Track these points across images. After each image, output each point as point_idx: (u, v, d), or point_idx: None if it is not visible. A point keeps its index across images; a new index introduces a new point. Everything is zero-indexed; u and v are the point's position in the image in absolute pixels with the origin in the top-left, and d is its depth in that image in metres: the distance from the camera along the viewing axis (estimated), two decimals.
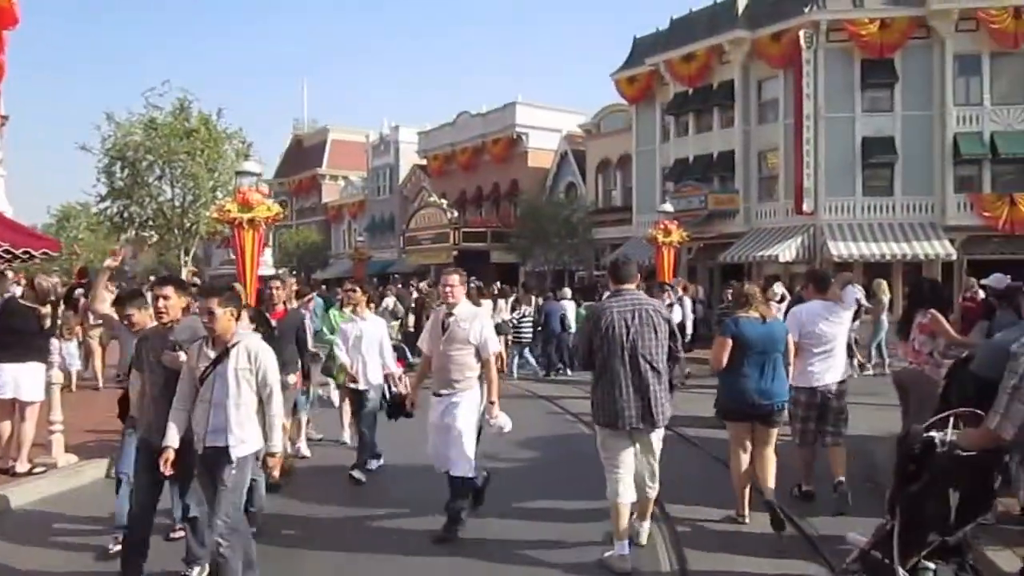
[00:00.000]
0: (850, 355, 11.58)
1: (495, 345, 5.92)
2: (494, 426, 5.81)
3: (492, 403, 5.77)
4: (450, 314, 5.85)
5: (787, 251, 22.20)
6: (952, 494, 3.57)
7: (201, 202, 21.22)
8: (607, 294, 5.93)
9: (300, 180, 53.01)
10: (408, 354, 12.16)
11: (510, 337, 16.44)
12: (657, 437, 5.37)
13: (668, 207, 21.05)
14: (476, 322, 5.82)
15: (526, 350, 16.63)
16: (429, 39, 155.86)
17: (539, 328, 16.71)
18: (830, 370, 6.46)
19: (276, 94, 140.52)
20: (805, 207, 22.53)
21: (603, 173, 31.77)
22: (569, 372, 16.48)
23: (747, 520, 6.01)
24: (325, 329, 9.56)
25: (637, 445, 5.34)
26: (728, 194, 24.75)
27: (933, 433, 3.70)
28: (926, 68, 22.39)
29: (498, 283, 21.29)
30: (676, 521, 6.17)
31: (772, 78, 24.38)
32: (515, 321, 16.62)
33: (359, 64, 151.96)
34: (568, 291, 19.19)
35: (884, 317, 15.84)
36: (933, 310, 6.63)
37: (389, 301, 18.46)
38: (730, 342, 5.97)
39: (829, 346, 6.47)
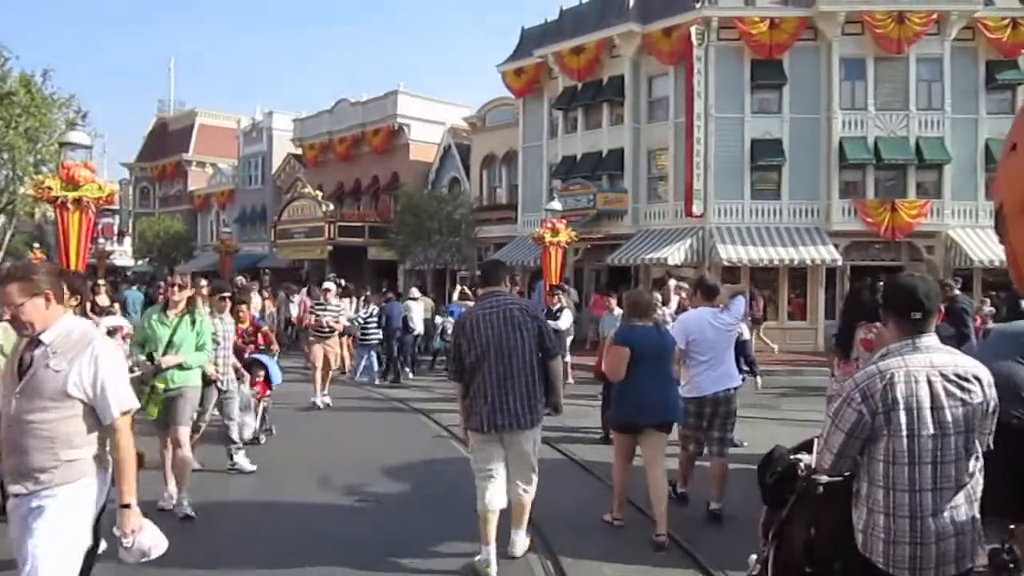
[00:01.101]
0: (752, 369, 10.80)
1: (123, 400, 3.21)
2: (130, 549, 3.16)
3: (126, 508, 3.16)
4: (35, 343, 3.19)
5: (676, 254, 21.52)
6: (819, 522, 3.17)
7: (20, 179, 18.24)
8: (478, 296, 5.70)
9: (164, 166, 49.36)
10: (273, 374, 9.80)
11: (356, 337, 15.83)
12: (529, 439, 5.16)
13: (556, 205, 20.01)
14: (85, 357, 3.13)
15: (372, 353, 15.52)
16: (308, 24, 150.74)
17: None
18: (719, 379, 6.35)
19: (140, 74, 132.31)
20: (695, 209, 21.91)
21: (488, 169, 30.46)
22: (411, 375, 16.06)
23: (623, 524, 5.97)
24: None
25: (509, 450, 5.13)
26: (617, 193, 23.90)
27: (801, 455, 3.36)
28: (813, 70, 22.19)
29: (341, 280, 19.40)
30: (562, 557, 5.43)
31: (662, 75, 23.68)
32: (360, 320, 15.32)
33: (232, 45, 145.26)
34: (416, 290, 18.06)
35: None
36: (879, 324, 5.63)
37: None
38: (627, 351, 5.78)
39: (715, 354, 6.35)
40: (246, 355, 9.14)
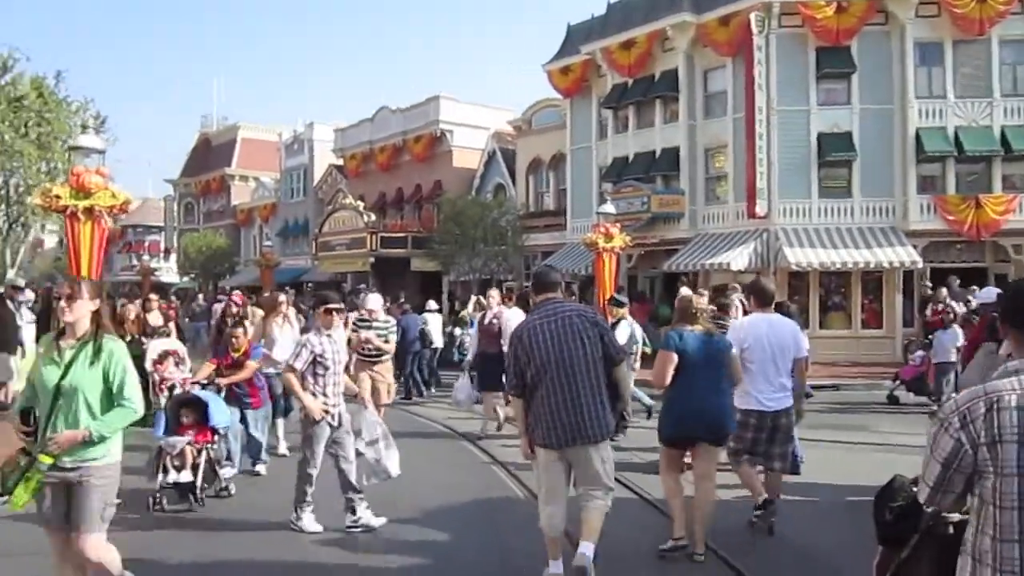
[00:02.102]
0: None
1: None
2: None
3: None
4: None
5: (739, 259, 19.94)
6: (946, 566, 2.54)
7: (31, 189, 17.09)
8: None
9: (208, 181, 49.29)
10: (214, 414, 7.22)
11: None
12: (597, 455, 4.80)
13: (610, 208, 18.64)
14: None
15: None
16: (351, 35, 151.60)
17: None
18: (776, 393, 6.02)
19: (187, 91, 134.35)
20: (758, 210, 20.32)
21: (534, 174, 29.19)
22: (432, 390, 15.12)
23: (687, 543, 5.42)
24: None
25: (576, 467, 4.84)
26: (673, 195, 22.42)
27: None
28: (885, 57, 20.48)
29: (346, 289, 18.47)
30: None
31: (719, 68, 22.16)
32: None
33: (275, 60, 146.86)
34: (433, 303, 17.04)
35: None
36: None
37: None
38: (675, 357, 5.46)
39: (770, 366, 6.02)
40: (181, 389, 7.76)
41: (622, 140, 24.21)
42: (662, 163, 22.85)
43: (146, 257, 52.74)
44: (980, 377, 7.10)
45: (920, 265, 19.45)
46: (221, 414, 7.19)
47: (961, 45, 20.17)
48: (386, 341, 9.90)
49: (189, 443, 6.89)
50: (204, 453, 6.94)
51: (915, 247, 19.69)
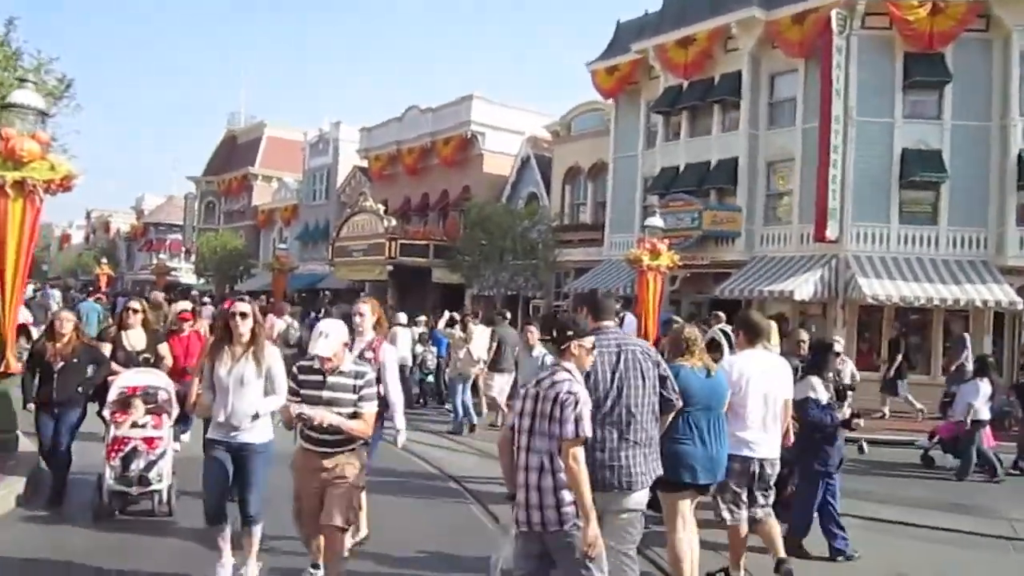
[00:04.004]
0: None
1: None
2: None
3: None
4: None
5: (804, 287, 17.31)
6: None
7: None
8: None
9: (230, 180, 47.52)
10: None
11: None
12: (635, 503, 4.27)
13: (658, 221, 16.14)
14: None
15: None
16: (388, 37, 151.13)
17: None
18: (769, 438, 5.54)
19: (214, 90, 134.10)
20: (828, 233, 17.69)
21: (571, 183, 26.73)
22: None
23: None
24: None
25: (605, 514, 4.05)
26: (728, 212, 19.82)
27: None
28: (984, 67, 17.85)
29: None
30: None
31: (788, 72, 19.63)
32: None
33: (310, 59, 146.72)
34: (403, 316, 15.27)
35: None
36: None
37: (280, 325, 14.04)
38: None
39: (762, 410, 5.51)
40: None
41: (672, 148, 21.66)
42: (717, 176, 20.28)
43: (163, 255, 51.15)
44: None
45: (1020, 306, 16.66)
46: None
47: None
48: (353, 415, 4.72)
49: None
50: None
51: (1011, 285, 16.95)
